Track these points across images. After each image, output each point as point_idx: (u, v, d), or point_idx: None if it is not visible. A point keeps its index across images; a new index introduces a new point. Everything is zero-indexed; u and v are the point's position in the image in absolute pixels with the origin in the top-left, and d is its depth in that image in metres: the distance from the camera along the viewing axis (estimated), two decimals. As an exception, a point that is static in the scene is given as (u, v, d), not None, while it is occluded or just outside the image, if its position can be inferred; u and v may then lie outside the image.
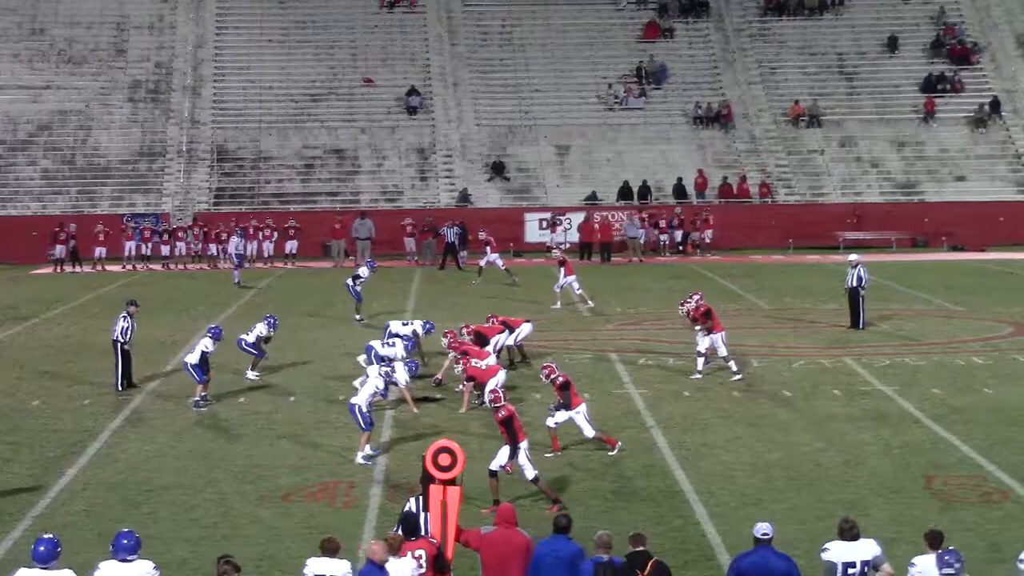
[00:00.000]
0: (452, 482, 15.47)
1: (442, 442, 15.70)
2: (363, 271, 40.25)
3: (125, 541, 14.31)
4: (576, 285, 42.25)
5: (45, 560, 13.86)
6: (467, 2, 74.01)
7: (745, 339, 35.74)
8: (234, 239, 54.11)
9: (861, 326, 37.00)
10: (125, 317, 30.04)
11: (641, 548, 14.65)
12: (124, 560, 14.23)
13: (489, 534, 15.16)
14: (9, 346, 36.57)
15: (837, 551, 14.66)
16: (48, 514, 20.45)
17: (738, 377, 30.12)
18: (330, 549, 14.60)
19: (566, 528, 15.27)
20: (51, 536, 14.24)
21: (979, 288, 46.68)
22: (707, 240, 60.49)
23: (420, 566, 14.72)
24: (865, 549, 14.69)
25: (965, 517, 19.83)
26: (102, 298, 46.34)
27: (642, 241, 59.35)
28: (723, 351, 30.44)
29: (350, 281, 39.60)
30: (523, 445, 20.77)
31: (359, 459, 23.43)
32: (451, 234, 56.10)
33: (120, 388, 29.74)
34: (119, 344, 29.85)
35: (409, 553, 14.71)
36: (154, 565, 14.35)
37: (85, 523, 19.97)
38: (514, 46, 72.13)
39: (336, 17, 72.90)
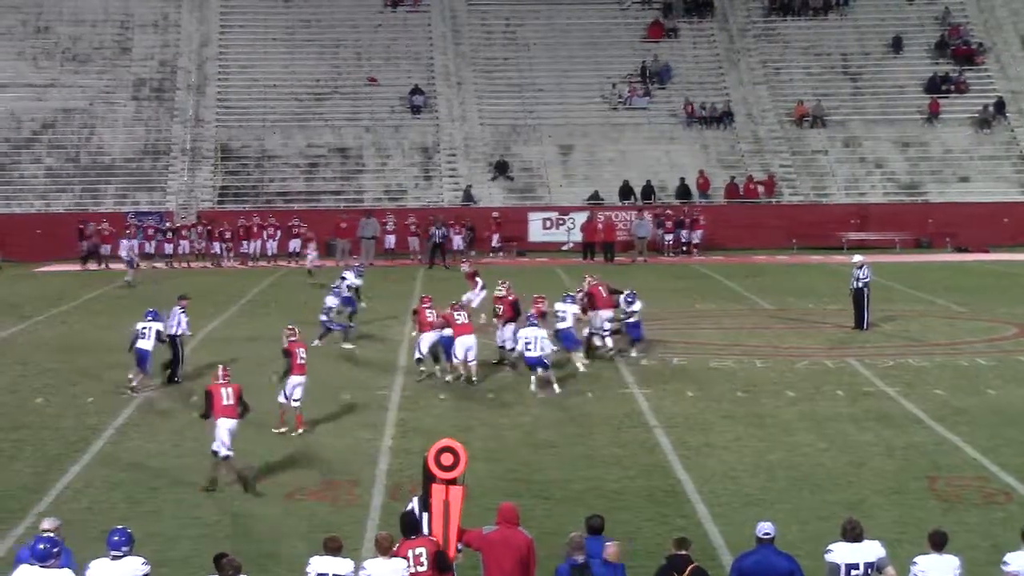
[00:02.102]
0: (454, 481, 15.46)
1: (444, 441, 15.65)
2: (348, 274, 38.30)
3: (116, 538, 14.34)
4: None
5: (43, 559, 13.85)
6: (471, 1, 74.03)
7: (748, 339, 35.77)
8: (123, 242, 53.39)
9: (865, 327, 36.97)
10: (183, 311, 30.62)
11: (683, 552, 14.67)
12: (115, 558, 14.26)
13: (491, 534, 15.14)
14: (12, 344, 36.58)
15: (840, 552, 14.62)
16: (51, 512, 20.35)
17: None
18: (333, 548, 14.61)
19: (600, 529, 15.31)
20: (50, 535, 14.26)
21: (983, 289, 46.65)
22: (695, 241, 60.36)
23: (420, 564, 14.72)
24: (869, 550, 14.65)
25: (968, 518, 19.83)
26: (105, 296, 46.38)
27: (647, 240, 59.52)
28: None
29: (345, 291, 36.87)
30: (222, 423, 21.90)
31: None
32: (439, 235, 56.32)
33: (177, 380, 30.28)
34: (179, 338, 30.41)
35: (409, 551, 14.70)
36: (143, 560, 14.34)
37: (88, 521, 19.96)
38: (518, 45, 72.17)
39: (340, 16, 72.94)
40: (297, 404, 25.50)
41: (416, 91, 68.23)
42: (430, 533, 15.22)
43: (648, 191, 63.56)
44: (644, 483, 21.97)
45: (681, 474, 22.45)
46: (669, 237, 60.47)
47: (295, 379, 25.48)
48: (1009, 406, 27.54)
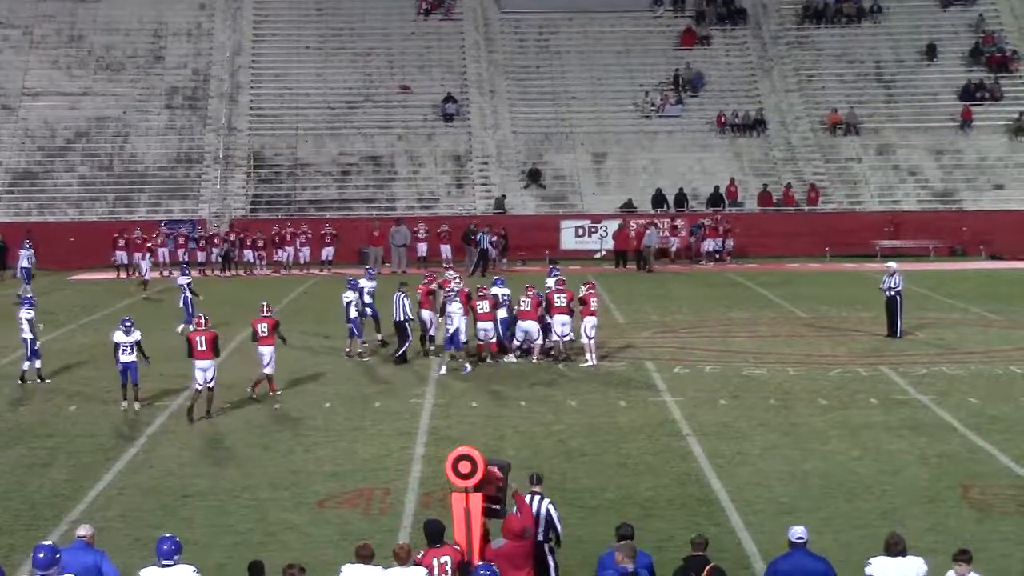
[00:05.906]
0: (476, 488, 15.42)
1: (462, 449, 15.57)
2: (364, 283, 35.85)
3: (165, 546, 14.32)
4: None
5: (45, 567, 13.76)
6: (504, 9, 74.11)
7: (781, 347, 35.65)
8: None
9: (898, 335, 36.85)
10: (405, 295, 33.36)
11: (700, 553, 14.60)
12: (164, 565, 14.25)
13: (501, 548, 15.22)
14: (47, 352, 36.62)
15: (880, 567, 14.26)
16: (84, 519, 20.45)
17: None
18: (365, 556, 14.59)
19: (631, 536, 15.21)
20: (50, 544, 14.20)
21: (1017, 297, 46.39)
22: (720, 248, 60.33)
23: (445, 572, 14.69)
24: (910, 567, 14.26)
25: (1003, 527, 19.70)
26: (138, 305, 46.46)
27: (674, 249, 59.66)
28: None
29: (366, 298, 35.63)
30: (198, 364, 27.29)
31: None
32: (485, 240, 56.28)
33: (405, 360, 33.27)
34: (409, 323, 33.12)
35: (434, 560, 14.67)
36: (195, 569, 14.33)
37: (121, 528, 20.03)
38: (551, 53, 72.21)
39: (373, 24, 73.12)
40: (268, 371, 29.26)
41: (449, 99, 68.31)
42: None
43: (681, 199, 63.46)
44: (677, 491, 21.92)
45: (714, 482, 22.38)
46: (710, 245, 60.32)
47: (260, 349, 29.23)
48: (1044, 415, 27.40)
